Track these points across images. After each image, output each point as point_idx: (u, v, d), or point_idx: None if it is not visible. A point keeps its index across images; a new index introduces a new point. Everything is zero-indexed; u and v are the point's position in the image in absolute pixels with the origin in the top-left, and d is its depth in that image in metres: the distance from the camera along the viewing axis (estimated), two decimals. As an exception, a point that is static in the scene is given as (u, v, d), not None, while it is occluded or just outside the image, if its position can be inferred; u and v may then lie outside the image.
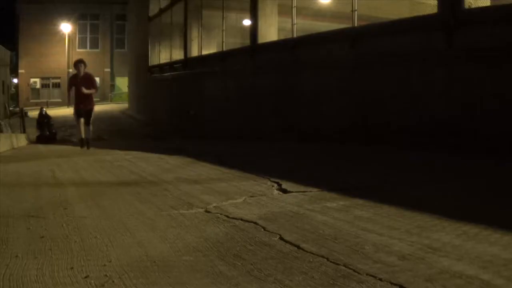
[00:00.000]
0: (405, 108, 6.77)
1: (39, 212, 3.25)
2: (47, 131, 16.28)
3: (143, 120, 21.76)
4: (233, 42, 14.29)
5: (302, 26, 10.62)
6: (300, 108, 9.11)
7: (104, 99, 40.52)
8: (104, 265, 2.18)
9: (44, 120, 16.91)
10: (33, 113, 28.83)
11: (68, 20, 39.89)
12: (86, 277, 2.03)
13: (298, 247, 2.35)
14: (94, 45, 41.91)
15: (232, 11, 14.31)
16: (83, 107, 8.91)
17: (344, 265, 2.06)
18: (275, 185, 4.04)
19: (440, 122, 6.15)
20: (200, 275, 2.04)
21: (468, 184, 3.94)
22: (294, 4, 10.19)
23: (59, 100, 37.05)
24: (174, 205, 3.41)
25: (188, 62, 16.19)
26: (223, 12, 13.62)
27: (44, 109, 18.46)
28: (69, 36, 40.28)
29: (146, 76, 22.14)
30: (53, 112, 22.78)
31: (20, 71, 40.34)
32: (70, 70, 39.87)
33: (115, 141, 13.47)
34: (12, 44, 38.61)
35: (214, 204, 3.39)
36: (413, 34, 6.69)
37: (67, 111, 26.65)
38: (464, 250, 2.20)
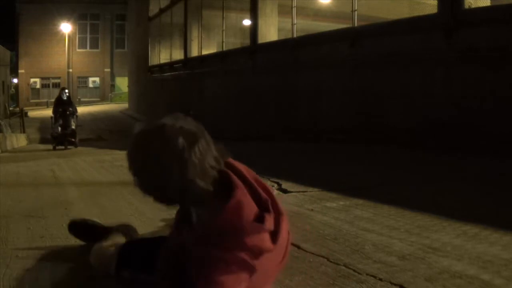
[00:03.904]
0: (405, 108, 6.78)
1: (39, 212, 3.25)
2: (64, 128, 11.25)
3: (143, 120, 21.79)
4: (233, 42, 14.29)
5: (302, 26, 10.62)
6: (300, 108, 9.12)
7: (104, 99, 40.53)
8: (104, 265, 2.17)
9: (59, 109, 11.42)
10: (33, 113, 28.87)
11: (68, 20, 39.89)
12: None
13: (298, 247, 2.34)
14: (94, 45, 41.91)
15: (232, 11, 14.32)
16: None
17: (344, 265, 2.06)
18: (275, 185, 4.04)
19: (440, 122, 6.15)
20: (200, 275, 2.03)
21: (468, 184, 3.94)
22: (294, 4, 10.20)
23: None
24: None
25: (188, 62, 16.19)
26: (223, 12, 13.63)
27: (67, 91, 12.02)
28: (69, 36, 40.28)
29: (146, 76, 22.15)
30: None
31: (20, 71, 40.35)
32: (70, 70, 39.91)
33: (115, 141, 13.46)
34: (12, 44, 38.61)
35: (214, 204, 3.37)
36: (413, 34, 6.70)
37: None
38: (464, 250, 2.20)
